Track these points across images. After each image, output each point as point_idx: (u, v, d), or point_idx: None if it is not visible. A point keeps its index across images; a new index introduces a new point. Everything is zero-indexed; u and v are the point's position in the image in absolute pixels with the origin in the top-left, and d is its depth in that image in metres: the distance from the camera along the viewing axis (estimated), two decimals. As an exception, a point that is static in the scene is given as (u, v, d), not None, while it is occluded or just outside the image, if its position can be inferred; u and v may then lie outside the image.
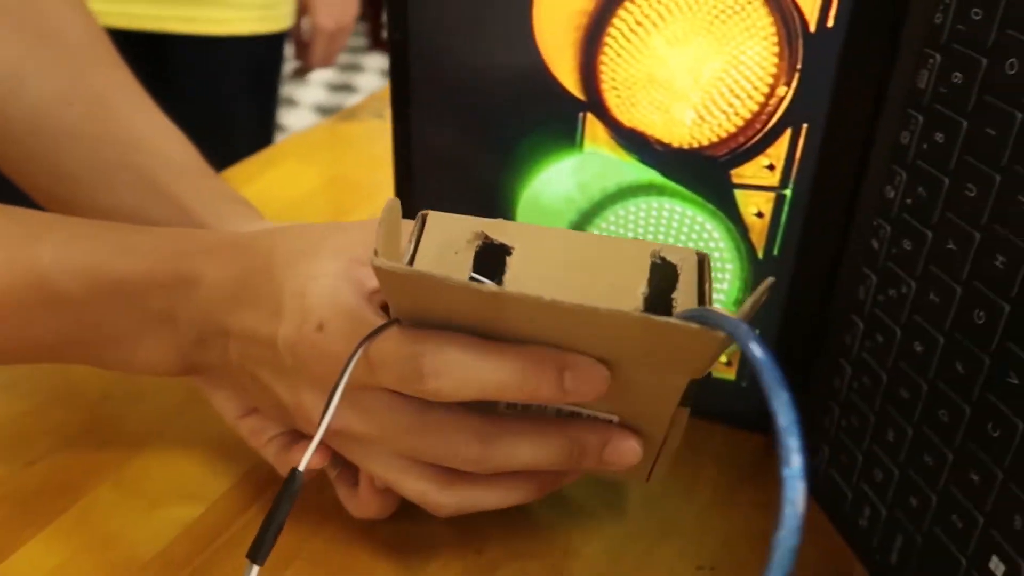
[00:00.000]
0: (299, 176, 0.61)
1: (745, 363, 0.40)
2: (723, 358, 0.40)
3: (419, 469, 0.30)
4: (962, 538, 0.28)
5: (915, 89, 0.29)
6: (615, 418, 0.30)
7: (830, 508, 0.36)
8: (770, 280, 0.25)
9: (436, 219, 0.30)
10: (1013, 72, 0.25)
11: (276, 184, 0.52)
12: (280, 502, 0.27)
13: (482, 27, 0.37)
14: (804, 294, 0.37)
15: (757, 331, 0.38)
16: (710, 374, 0.40)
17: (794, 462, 0.18)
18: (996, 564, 0.27)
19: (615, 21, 0.34)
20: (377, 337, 0.27)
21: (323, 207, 0.58)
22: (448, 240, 0.29)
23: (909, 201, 0.30)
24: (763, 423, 0.41)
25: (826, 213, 0.35)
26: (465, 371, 0.27)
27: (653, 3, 0.34)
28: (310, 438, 0.28)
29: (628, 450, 0.30)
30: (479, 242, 0.29)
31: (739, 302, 0.38)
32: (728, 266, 0.38)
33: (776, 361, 0.21)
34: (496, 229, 0.30)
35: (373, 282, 0.30)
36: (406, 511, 0.34)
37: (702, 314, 0.24)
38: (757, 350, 0.21)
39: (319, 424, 0.27)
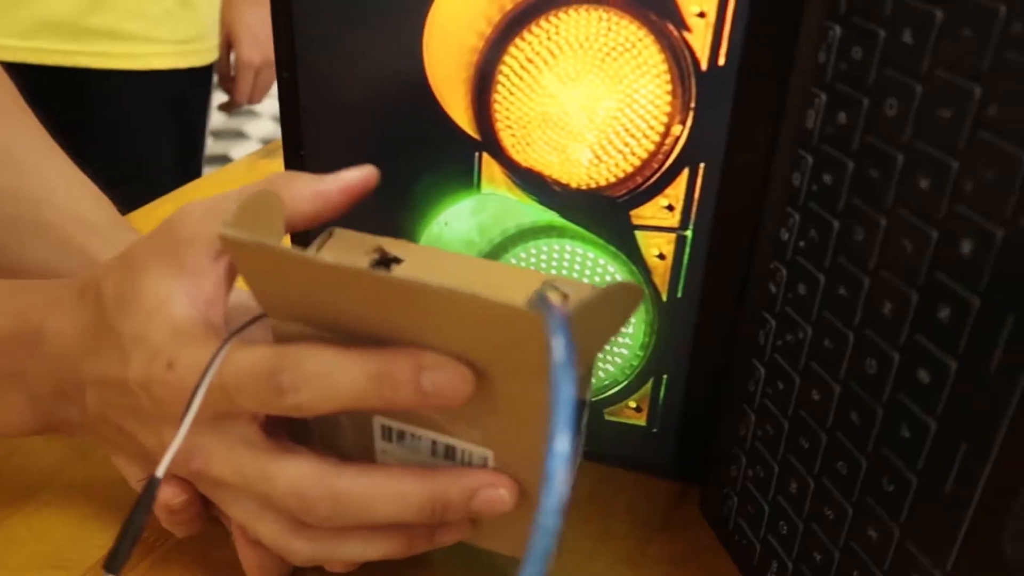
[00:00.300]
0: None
1: (655, 409, 0.38)
2: (632, 403, 0.38)
3: (274, 513, 0.28)
4: (861, 598, 0.27)
5: (804, 129, 0.28)
6: (489, 454, 0.28)
7: (740, 560, 0.35)
8: (612, 285, 0.24)
9: (342, 235, 0.30)
10: (893, 113, 0.24)
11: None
12: (136, 511, 0.27)
13: (373, 65, 0.35)
14: (710, 336, 0.36)
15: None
16: (617, 423, 0.39)
17: (559, 445, 0.20)
18: (893, 627, 0.25)
19: (506, 59, 0.33)
20: (228, 361, 0.26)
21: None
22: (347, 251, 0.30)
23: (802, 244, 0.29)
24: (676, 470, 0.39)
25: (728, 255, 0.34)
26: (323, 381, 0.26)
27: (543, 40, 0.32)
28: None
29: (497, 499, 0.28)
30: (376, 255, 0.30)
31: (645, 346, 0.37)
32: (632, 309, 0.36)
33: (572, 362, 0.21)
34: (396, 246, 0.30)
35: (209, 287, 0.29)
36: None
37: (536, 301, 0.23)
38: (558, 343, 0.21)
39: (171, 446, 0.27)
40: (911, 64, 0.23)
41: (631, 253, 0.35)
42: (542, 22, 0.32)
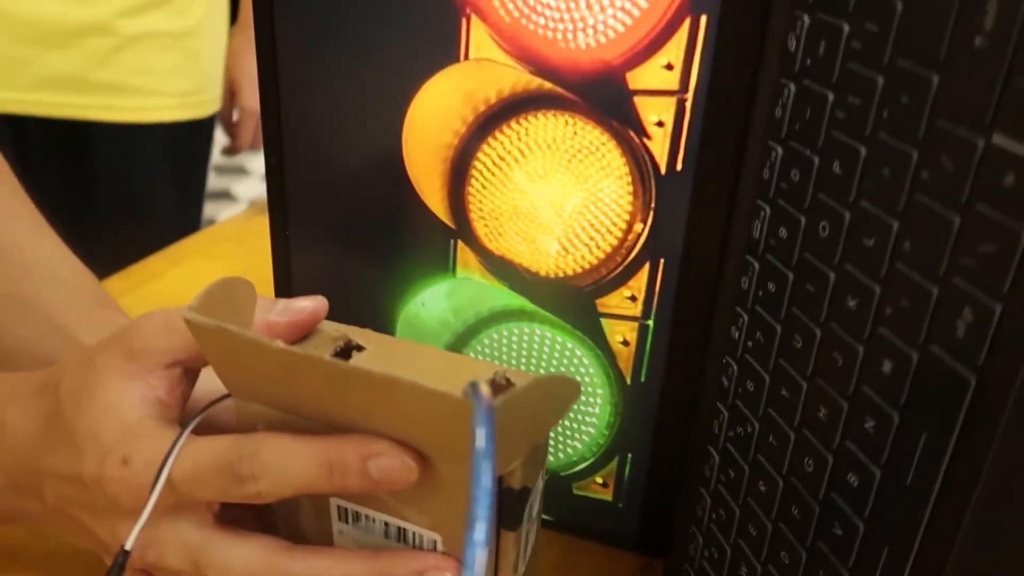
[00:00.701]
0: (207, 271, 0.61)
1: (621, 485, 0.40)
2: (599, 479, 0.40)
3: None
4: None
5: (751, 238, 0.30)
6: (438, 538, 0.30)
7: (697, 636, 0.36)
8: (544, 376, 0.26)
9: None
10: (826, 234, 0.26)
11: (183, 279, 0.52)
12: (111, 571, 0.29)
13: (356, 155, 0.37)
14: (671, 419, 0.37)
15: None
16: (585, 497, 0.40)
17: (477, 534, 0.22)
18: None
19: (479, 155, 0.35)
20: (186, 453, 0.28)
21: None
22: (314, 337, 0.31)
23: (751, 344, 0.31)
24: (640, 543, 0.41)
25: (687, 345, 0.36)
26: (279, 470, 0.28)
27: (514, 140, 0.34)
28: None
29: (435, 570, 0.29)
30: (340, 343, 0.31)
31: (611, 426, 0.38)
32: (599, 391, 0.38)
33: (492, 452, 0.23)
34: (363, 336, 0.32)
35: (162, 391, 0.31)
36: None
37: (467, 390, 0.24)
38: (480, 432, 0.23)
39: (133, 532, 0.28)
40: (840, 190, 0.25)
41: (596, 338, 0.37)
42: (513, 124, 0.34)
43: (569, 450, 0.39)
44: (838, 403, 0.26)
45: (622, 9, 0.31)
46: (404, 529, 0.30)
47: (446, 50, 0.34)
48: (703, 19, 0.30)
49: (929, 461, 0.23)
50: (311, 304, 0.31)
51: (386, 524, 0.30)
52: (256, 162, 3.21)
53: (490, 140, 0.35)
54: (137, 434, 0.29)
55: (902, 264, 0.23)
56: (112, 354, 0.31)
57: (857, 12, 0.24)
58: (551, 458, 0.40)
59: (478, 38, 0.33)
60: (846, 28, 0.25)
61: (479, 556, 0.22)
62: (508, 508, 0.28)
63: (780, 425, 0.29)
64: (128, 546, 0.29)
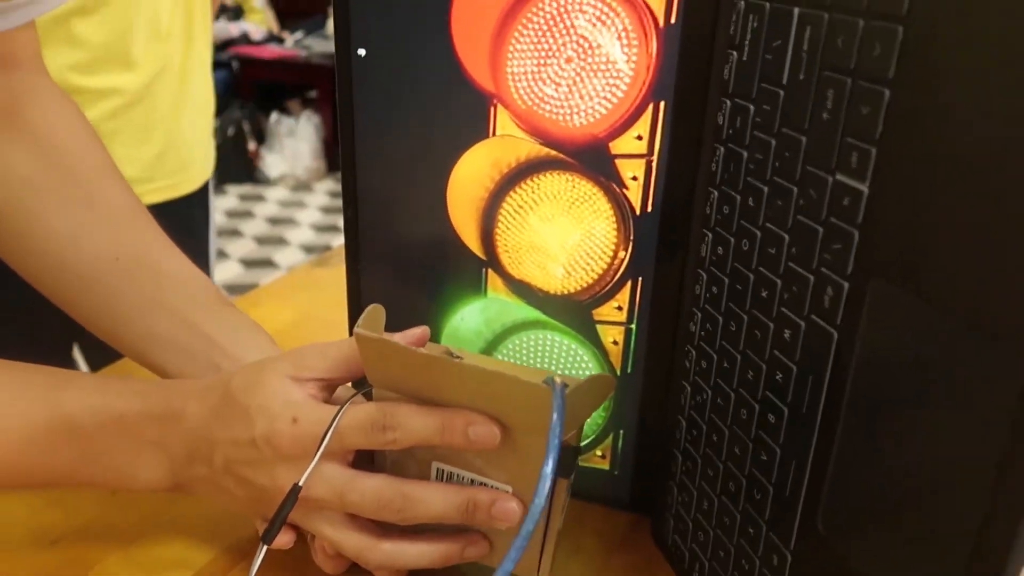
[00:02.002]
0: (278, 313, 0.72)
1: (616, 456, 0.49)
2: (599, 452, 0.49)
3: (356, 527, 0.40)
4: None
5: (700, 257, 0.40)
6: (510, 489, 0.40)
7: (677, 568, 0.45)
8: (594, 376, 0.37)
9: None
10: (746, 249, 0.36)
11: (259, 319, 0.62)
12: (284, 504, 0.38)
13: (412, 207, 0.48)
14: (652, 401, 0.47)
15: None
16: (588, 467, 0.49)
17: (549, 463, 0.34)
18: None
19: (504, 205, 0.46)
20: (346, 415, 0.38)
21: (296, 340, 0.68)
22: (428, 350, 0.41)
23: (703, 333, 0.41)
24: (633, 503, 0.50)
25: (661, 342, 0.46)
26: (409, 426, 0.38)
27: (529, 193, 0.45)
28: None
29: (510, 510, 0.39)
30: (446, 351, 0.42)
31: (607, 408, 0.48)
32: (596, 381, 0.48)
33: (563, 419, 0.35)
34: (455, 350, 0.43)
35: (315, 392, 0.41)
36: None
37: (548, 381, 0.35)
38: (556, 408, 0.35)
39: (315, 453, 0.38)
40: (753, 217, 0.36)
41: (594, 341, 0.47)
42: (528, 181, 0.45)
43: (575, 430, 0.49)
44: (759, 365, 0.36)
45: (604, 99, 0.42)
46: (485, 483, 0.40)
47: (479, 129, 0.45)
48: (663, 104, 0.41)
49: (815, 394, 0.32)
50: (420, 330, 0.42)
51: (472, 480, 0.40)
52: (294, 232, 3.36)
53: (512, 193, 0.45)
54: (303, 405, 0.39)
55: (791, 263, 0.33)
56: (281, 364, 0.41)
57: (758, 98, 0.35)
58: (561, 438, 0.50)
59: (502, 120, 0.44)
60: (752, 109, 0.35)
61: (547, 484, 0.34)
62: (565, 461, 0.38)
63: (724, 388, 0.39)
64: (301, 482, 0.38)
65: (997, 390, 0.24)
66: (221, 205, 3.65)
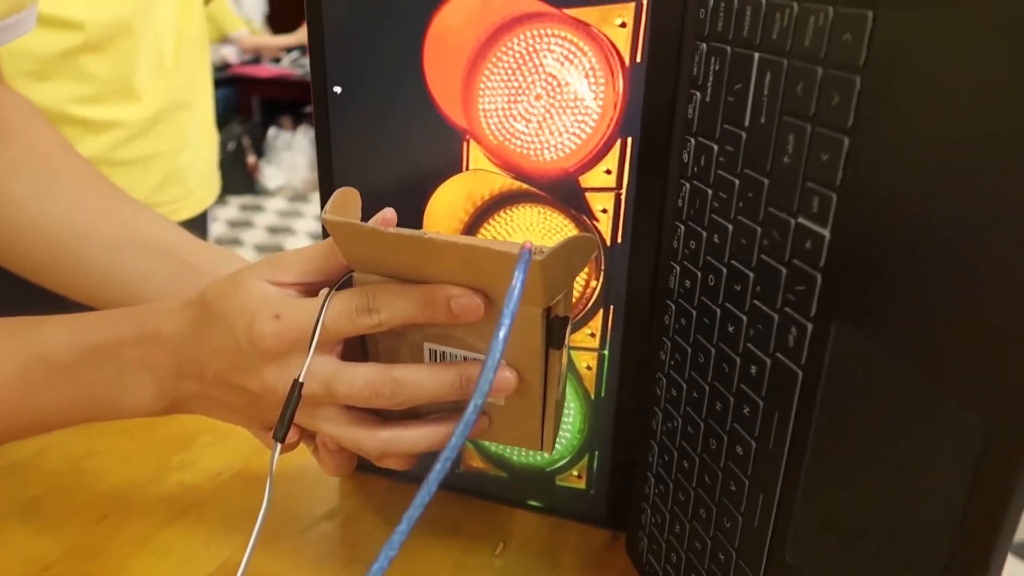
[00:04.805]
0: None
1: (592, 476, 0.48)
2: (575, 472, 0.48)
3: (353, 420, 0.37)
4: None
5: (668, 289, 0.39)
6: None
7: (650, 585, 0.44)
8: (573, 236, 0.33)
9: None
10: (712, 284, 0.35)
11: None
12: (289, 402, 0.36)
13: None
14: (625, 424, 0.45)
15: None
16: (565, 487, 0.48)
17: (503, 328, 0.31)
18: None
19: (479, 235, 0.44)
20: (335, 293, 0.36)
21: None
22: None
23: (672, 362, 0.39)
24: (607, 520, 0.48)
25: (631, 367, 0.44)
26: (393, 305, 0.35)
27: (503, 224, 0.43)
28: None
29: (504, 379, 0.36)
30: (421, 232, 0.38)
31: (582, 431, 0.47)
32: (571, 405, 0.46)
33: (524, 281, 0.31)
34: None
35: (292, 293, 0.37)
36: None
37: (523, 247, 0.32)
38: (517, 274, 0.31)
39: (309, 346, 0.35)
40: (719, 253, 0.34)
41: (568, 366, 0.45)
42: (501, 213, 0.43)
43: (554, 454, 0.47)
44: (727, 397, 0.34)
45: (574, 134, 0.40)
46: (477, 359, 0.37)
47: (453, 163, 0.43)
48: (630, 140, 0.39)
49: (782, 429, 0.31)
50: (386, 211, 0.38)
51: (464, 357, 0.37)
52: (292, 241, 3.33)
53: (485, 225, 0.44)
54: (283, 300, 0.36)
55: (756, 300, 0.32)
56: (257, 268, 0.38)
57: (721, 138, 0.33)
58: (539, 459, 0.48)
59: (475, 155, 0.42)
60: (715, 148, 0.34)
61: (499, 348, 0.31)
62: (554, 331, 0.36)
63: (693, 417, 0.37)
64: (302, 377, 0.35)
65: (955, 442, 0.23)
66: (223, 215, 3.62)
